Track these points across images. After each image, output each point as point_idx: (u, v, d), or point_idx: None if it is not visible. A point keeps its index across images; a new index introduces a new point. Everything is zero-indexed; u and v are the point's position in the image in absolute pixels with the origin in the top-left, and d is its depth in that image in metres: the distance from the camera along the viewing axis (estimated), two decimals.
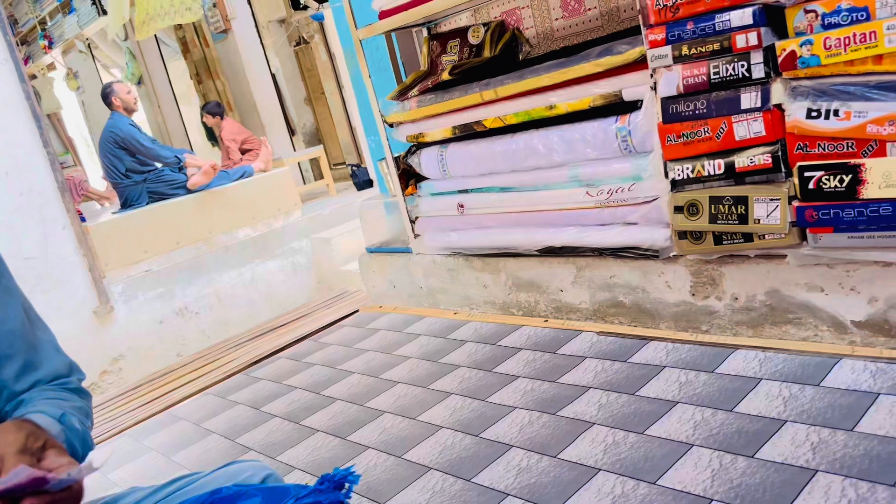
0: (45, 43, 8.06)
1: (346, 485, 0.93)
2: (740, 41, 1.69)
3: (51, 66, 8.71)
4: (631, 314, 2.22)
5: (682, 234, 1.95)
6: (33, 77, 8.82)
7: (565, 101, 2.19)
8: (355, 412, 2.17)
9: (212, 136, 8.10)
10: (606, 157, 2.15)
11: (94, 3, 7.44)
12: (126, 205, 5.16)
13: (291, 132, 8.10)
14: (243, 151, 6.45)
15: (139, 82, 7.97)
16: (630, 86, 2.04)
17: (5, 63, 4.09)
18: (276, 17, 7.81)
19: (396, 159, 2.75)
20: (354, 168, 6.51)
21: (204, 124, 8.16)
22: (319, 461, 1.92)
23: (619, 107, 2.11)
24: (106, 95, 4.70)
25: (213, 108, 6.24)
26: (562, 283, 2.37)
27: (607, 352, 2.12)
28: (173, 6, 2.86)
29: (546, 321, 2.45)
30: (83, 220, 5.39)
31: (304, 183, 7.60)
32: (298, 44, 8.20)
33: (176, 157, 4.90)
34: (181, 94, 8.20)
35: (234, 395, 2.57)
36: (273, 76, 7.74)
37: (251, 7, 7.06)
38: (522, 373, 2.14)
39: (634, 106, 2.05)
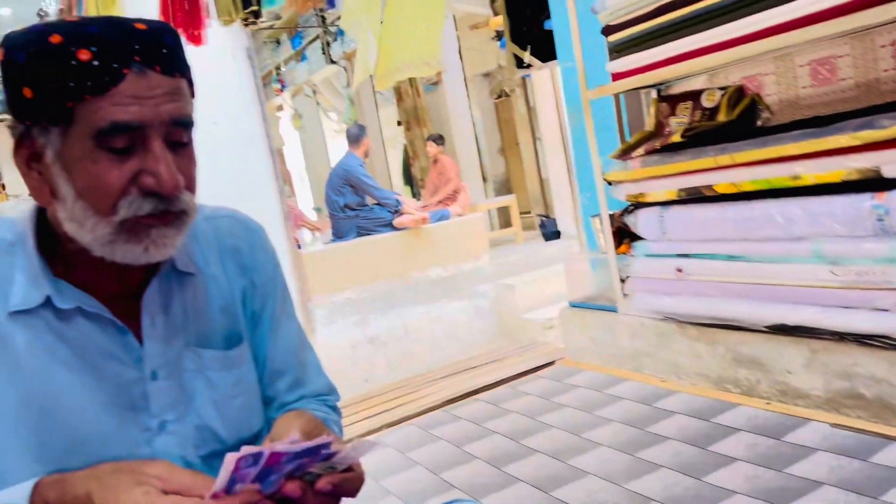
0: (279, 86, 9.05)
1: None
2: None
3: (279, 108, 9.74)
4: (872, 409, 2.01)
5: None
6: None
7: (813, 172, 2.07)
8: (558, 468, 2.15)
9: (409, 179, 8.59)
10: (857, 236, 1.99)
11: (323, 53, 8.25)
12: (336, 236, 5.58)
13: (483, 179, 8.38)
14: (445, 198, 6.75)
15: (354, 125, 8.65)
16: (891, 162, 1.90)
17: (253, 104, 4.64)
18: (482, 70, 8.19)
19: (611, 216, 2.74)
20: (543, 218, 6.57)
21: (405, 164, 8.68)
22: None
23: (874, 183, 1.96)
24: (357, 137, 5.18)
25: (437, 139, 6.65)
26: (791, 364, 2.21)
27: (843, 447, 1.93)
28: (413, 60, 3.10)
29: (768, 403, 2.28)
30: (299, 247, 5.90)
31: (491, 230, 7.78)
32: (500, 96, 8.52)
33: (396, 201, 5.26)
34: (388, 139, 8.80)
35: (436, 429, 2.64)
36: (473, 126, 8.09)
37: (462, 61, 7.45)
38: (742, 456, 2.00)
39: (894, 184, 1.90)
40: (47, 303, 0.82)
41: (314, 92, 9.14)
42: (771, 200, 2.20)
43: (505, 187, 8.72)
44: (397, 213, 5.24)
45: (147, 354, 0.87)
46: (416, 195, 8.34)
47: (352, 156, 5.25)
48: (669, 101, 2.70)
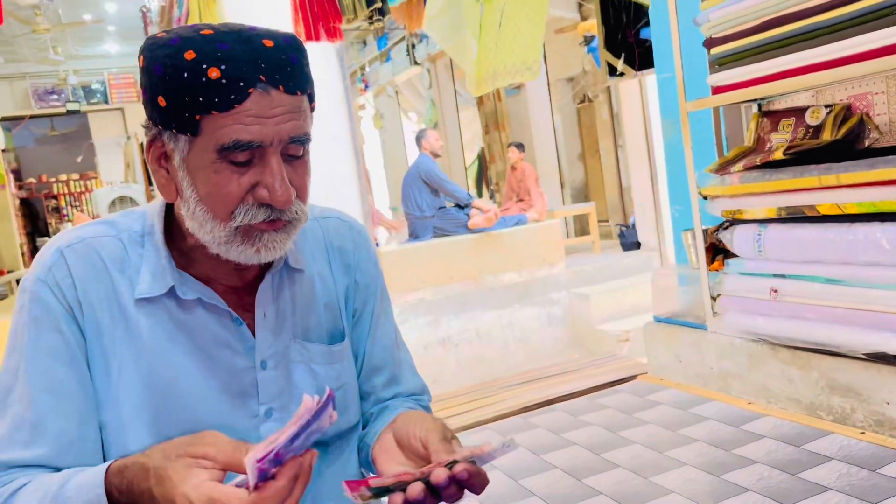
0: (362, 86, 9.24)
1: None
2: None
3: (361, 107, 9.93)
4: None
5: None
6: None
7: None
8: (639, 483, 2.13)
9: (480, 182, 8.63)
10: None
11: (408, 54, 8.38)
12: (412, 236, 5.66)
13: (561, 186, 8.33)
14: (518, 200, 6.77)
15: (434, 126, 8.75)
16: None
17: (340, 104, 4.75)
18: (566, 75, 8.14)
19: (705, 232, 2.69)
20: (623, 228, 6.49)
21: (479, 167, 8.72)
22: None
23: None
24: (419, 138, 5.27)
25: (519, 146, 6.73)
26: (890, 395, 2.12)
27: None
28: (515, 66, 3.12)
29: (863, 433, 2.20)
30: (377, 245, 6.01)
31: (567, 237, 7.74)
32: (582, 101, 8.44)
33: (468, 195, 5.31)
34: (467, 142, 8.87)
35: (513, 435, 2.66)
36: (553, 131, 8.05)
37: (546, 66, 7.43)
38: (834, 485, 1.94)
39: None
40: (170, 292, 0.89)
41: (396, 93, 9.29)
42: (877, 224, 2.12)
43: (583, 194, 8.63)
44: (468, 206, 5.29)
45: (259, 345, 0.93)
46: (492, 198, 8.35)
47: (423, 155, 5.37)
48: (771, 117, 2.63)
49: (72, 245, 0.89)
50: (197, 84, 0.77)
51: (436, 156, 5.32)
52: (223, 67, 0.77)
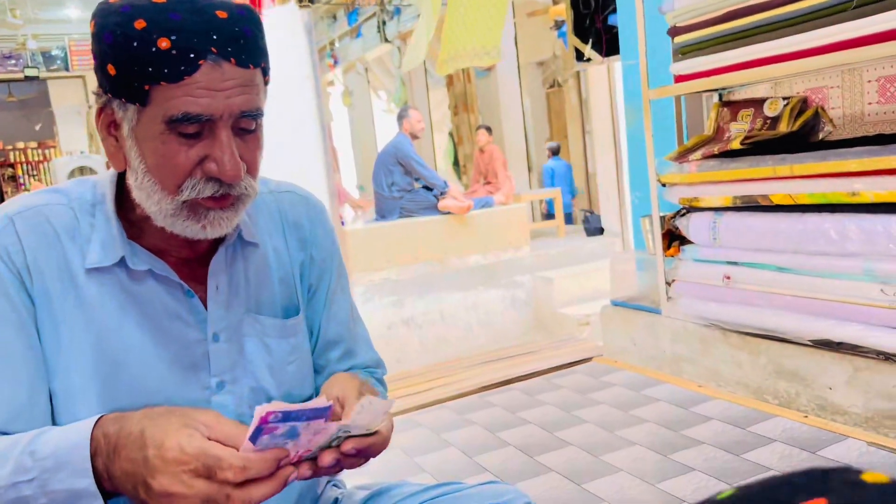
0: (332, 62, 9.11)
1: None
2: None
3: (330, 83, 9.82)
4: None
5: None
6: None
7: (872, 189, 2.05)
8: (590, 462, 2.18)
9: (456, 164, 8.62)
10: None
11: (379, 31, 8.29)
12: (379, 215, 5.64)
13: (528, 170, 8.36)
14: (486, 183, 6.78)
15: (405, 105, 8.69)
16: None
17: (308, 79, 4.68)
18: (537, 59, 8.15)
19: (662, 218, 2.74)
20: (588, 214, 6.55)
21: (455, 148, 8.71)
22: (555, 501, 1.96)
23: None
24: (400, 117, 5.22)
25: (489, 129, 6.71)
26: (832, 380, 2.20)
27: (877, 465, 1.93)
28: (475, 49, 3.12)
29: (806, 417, 2.28)
30: (342, 223, 5.97)
31: (533, 221, 7.79)
32: (552, 86, 8.47)
33: (444, 183, 5.29)
34: (436, 122, 8.83)
35: (470, 414, 2.70)
36: (523, 115, 8.07)
37: (517, 48, 7.43)
38: (776, 466, 2.01)
39: None
40: (121, 263, 0.88)
41: (366, 70, 9.20)
42: (826, 215, 2.19)
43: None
44: (443, 195, 5.28)
45: (211, 317, 0.93)
46: (460, 179, 8.36)
47: (402, 135, 5.31)
48: (731, 107, 2.68)
49: (21, 212, 0.87)
50: (146, 54, 0.76)
51: (415, 137, 5.26)
52: (173, 38, 0.76)
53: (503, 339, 5.58)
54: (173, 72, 0.77)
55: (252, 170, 0.87)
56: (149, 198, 0.85)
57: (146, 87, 0.79)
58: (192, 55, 0.77)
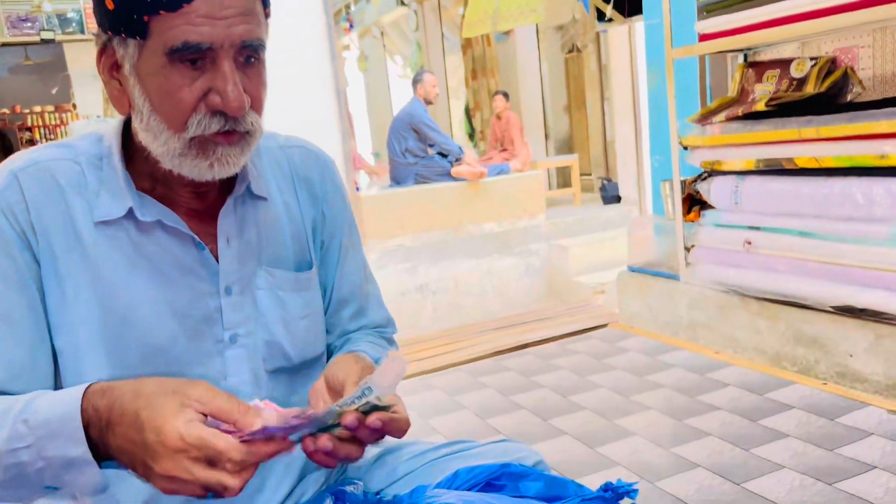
0: (347, 25, 9.00)
1: (628, 500, 0.93)
2: None
3: (346, 47, 9.71)
4: None
5: None
6: None
7: None
8: (603, 425, 2.17)
9: (471, 130, 8.53)
10: None
11: None
12: (394, 181, 5.60)
13: (545, 137, 8.26)
14: (502, 150, 6.71)
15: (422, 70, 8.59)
16: None
17: (322, 41, 4.62)
18: (556, 23, 7.99)
19: (682, 182, 2.69)
20: (605, 181, 6.47)
21: (467, 114, 8.62)
22: (568, 463, 1.95)
23: None
24: (415, 81, 5.15)
25: (506, 95, 6.60)
26: (853, 347, 2.16)
27: None
28: (519, 8, 3.02)
29: (825, 384, 2.25)
30: (357, 189, 5.95)
31: (549, 188, 7.70)
32: (571, 51, 8.31)
33: (459, 148, 5.23)
34: (452, 88, 8.72)
35: (484, 377, 2.69)
36: (540, 80, 7.94)
37: None
38: (793, 433, 1.99)
39: None
40: (129, 215, 0.86)
41: (382, 34, 9.08)
42: (853, 178, 2.13)
43: (567, 146, 8.57)
44: (458, 161, 5.22)
45: (222, 270, 0.91)
46: (475, 146, 8.28)
47: (416, 100, 5.24)
48: (756, 68, 2.61)
49: (26, 168, 0.85)
50: None
51: (429, 102, 5.18)
52: None
53: (517, 306, 5.56)
54: None
55: (256, 105, 0.85)
56: (155, 138, 0.83)
57: (145, 19, 0.77)
58: None
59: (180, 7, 0.75)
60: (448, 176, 5.41)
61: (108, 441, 0.71)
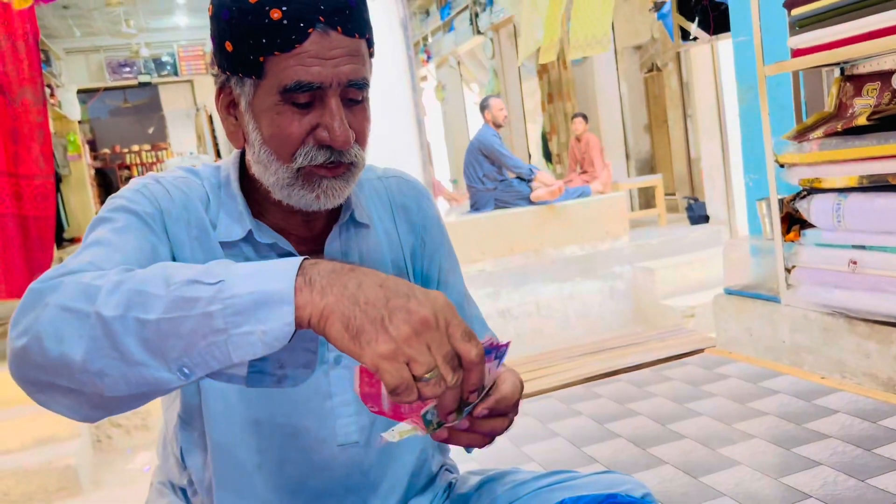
0: (424, 57, 9.20)
1: None
2: None
3: (423, 78, 9.92)
4: None
5: None
6: None
7: None
8: (706, 454, 2.11)
9: (548, 153, 8.51)
10: None
11: (471, 23, 8.30)
12: (473, 207, 5.65)
13: (626, 157, 8.15)
14: (582, 172, 6.66)
15: (497, 95, 8.67)
16: None
17: (404, 74, 4.75)
18: (634, 43, 7.92)
19: (780, 201, 2.60)
20: (691, 201, 6.32)
21: (544, 138, 8.61)
22: (671, 494, 1.90)
23: None
24: (482, 107, 5.21)
25: (585, 116, 6.58)
26: None
27: None
28: (585, 39, 3.05)
29: None
30: None
31: (632, 210, 7.58)
32: (650, 70, 8.21)
33: (530, 169, 5.23)
34: (529, 112, 8.75)
35: (577, 404, 2.66)
36: (620, 101, 7.87)
37: (613, 33, 7.24)
38: None
39: None
40: (248, 238, 0.92)
41: (458, 63, 9.23)
42: None
43: (648, 166, 8.43)
44: (531, 181, 5.21)
45: None
46: (553, 170, 8.25)
47: (486, 126, 5.30)
48: (854, 81, 2.51)
49: (165, 176, 0.95)
50: (260, 26, 0.81)
51: (498, 126, 5.23)
52: (284, 9, 0.80)
53: (601, 330, 5.47)
54: (285, 41, 0.81)
55: (361, 140, 0.90)
56: (266, 169, 0.89)
57: (261, 59, 0.83)
58: (301, 24, 0.81)
59: (293, 48, 0.82)
60: (527, 200, 5.42)
61: (317, 298, 0.63)
